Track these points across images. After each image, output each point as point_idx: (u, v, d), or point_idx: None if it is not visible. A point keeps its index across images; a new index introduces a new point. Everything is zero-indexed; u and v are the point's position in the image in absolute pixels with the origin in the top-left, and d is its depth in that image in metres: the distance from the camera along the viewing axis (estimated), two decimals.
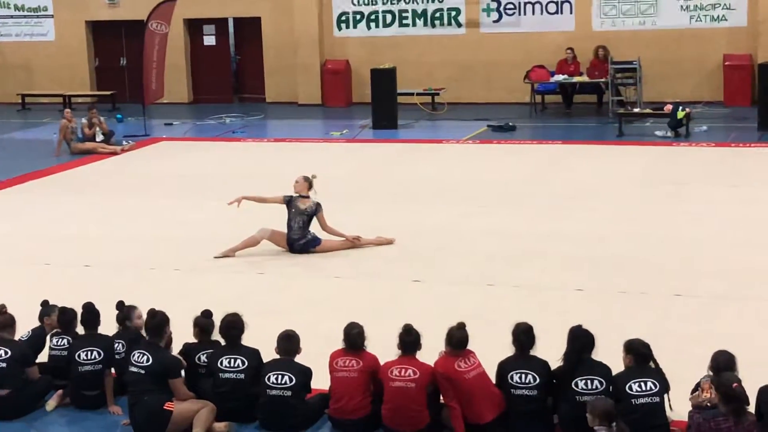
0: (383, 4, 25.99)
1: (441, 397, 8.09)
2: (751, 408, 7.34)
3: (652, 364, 7.87)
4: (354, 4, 26.23)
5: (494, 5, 25.23)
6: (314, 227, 13.04)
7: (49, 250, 13.57)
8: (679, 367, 8.28)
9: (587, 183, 16.45)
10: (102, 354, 8.74)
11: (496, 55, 25.17)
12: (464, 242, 13.31)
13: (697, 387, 7.79)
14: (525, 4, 25.03)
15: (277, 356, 8.42)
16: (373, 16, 26.14)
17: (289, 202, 13.02)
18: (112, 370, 8.83)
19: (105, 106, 25.86)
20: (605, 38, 23.89)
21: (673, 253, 12.51)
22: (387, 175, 17.66)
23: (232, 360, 8.41)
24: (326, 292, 11.62)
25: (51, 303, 9.40)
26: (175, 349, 8.81)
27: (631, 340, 7.97)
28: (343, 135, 21.94)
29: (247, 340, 8.60)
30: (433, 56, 25.56)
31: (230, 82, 28.22)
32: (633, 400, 7.64)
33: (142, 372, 8.26)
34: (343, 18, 26.38)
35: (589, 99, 24.00)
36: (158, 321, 8.52)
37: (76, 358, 8.73)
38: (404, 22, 25.95)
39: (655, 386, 7.68)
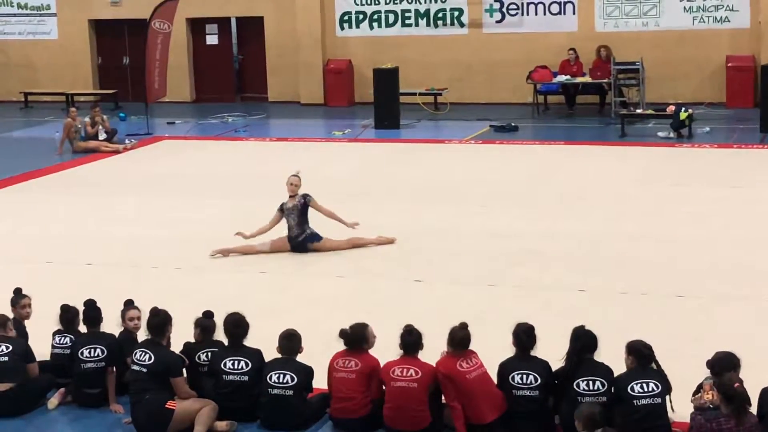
0: (386, 3, 25.99)
1: (443, 397, 8.10)
2: (753, 409, 7.34)
3: (653, 366, 7.87)
4: (356, 4, 26.22)
5: (497, 5, 25.22)
6: (314, 226, 13.04)
7: (50, 248, 13.58)
8: (681, 368, 8.27)
9: (589, 183, 16.45)
10: (105, 352, 8.74)
11: (498, 55, 25.17)
12: (466, 242, 13.31)
13: (699, 388, 7.78)
14: (528, 4, 25.02)
15: (279, 355, 8.42)
16: (375, 16, 26.14)
17: (282, 209, 13.05)
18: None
19: (108, 105, 25.88)
20: (608, 39, 23.88)
21: (675, 254, 12.51)
22: (389, 175, 17.66)
23: (236, 362, 8.41)
24: (328, 291, 11.63)
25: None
26: (176, 348, 8.79)
27: (633, 341, 7.96)
28: (345, 135, 21.94)
29: (248, 339, 8.61)
30: (435, 56, 25.55)
31: (232, 82, 28.23)
32: (635, 401, 7.64)
33: (144, 370, 8.26)
34: (346, 18, 26.38)
35: (591, 100, 23.99)
36: (161, 320, 8.52)
37: (79, 355, 8.74)
38: (407, 22, 25.94)
39: (657, 387, 7.67)
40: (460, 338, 8.07)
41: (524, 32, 25.05)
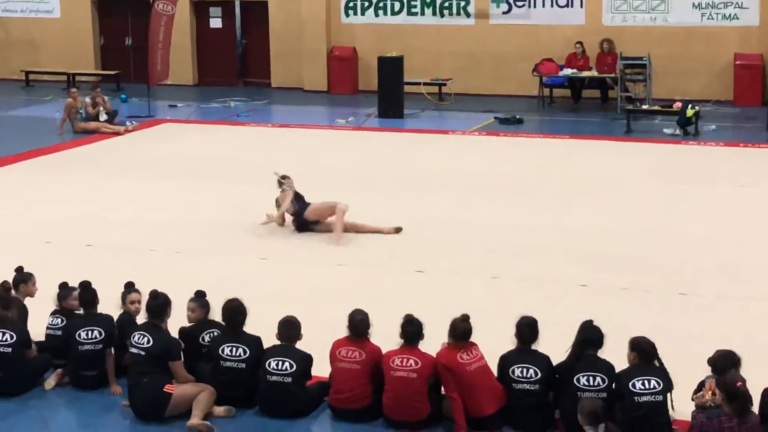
0: None
1: (442, 389, 8.11)
2: (755, 409, 7.36)
3: (656, 363, 7.88)
4: None
5: None
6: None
7: (49, 229, 13.59)
8: (683, 366, 8.29)
9: (593, 178, 16.44)
10: (102, 333, 8.75)
11: (504, 46, 25.12)
12: (469, 234, 13.32)
13: (701, 386, 7.80)
14: None
15: (278, 342, 8.43)
16: (381, 4, 26.08)
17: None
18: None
19: (109, 86, 25.82)
20: (615, 33, 23.83)
21: (678, 252, 12.52)
22: (392, 165, 17.65)
23: (234, 349, 8.42)
24: (329, 279, 11.64)
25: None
26: (172, 332, 8.81)
27: (637, 337, 7.98)
28: (348, 123, 21.92)
29: (247, 325, 8.62)
30: (441, 46, 25.51)
31: (235, 66, 28.19)
32: (636, 398, 7.66)
33: (142, 353, 8.28)
34: (351, 4, 26.32)
35: (597, 94, 23.96)
36: (160, 302, 8.53)
37: (76, 337, 8.75)
38: (413, 10, 25.88)
39: (659, 385, 7.69)
40: (461, 330, 8.09)
41: (531, 24, 24.98)
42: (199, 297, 8.89)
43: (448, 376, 7.97)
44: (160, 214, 14.33)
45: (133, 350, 8.35)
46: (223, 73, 27.76)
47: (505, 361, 8.12)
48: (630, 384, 7.71)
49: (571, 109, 23.45)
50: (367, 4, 26.16)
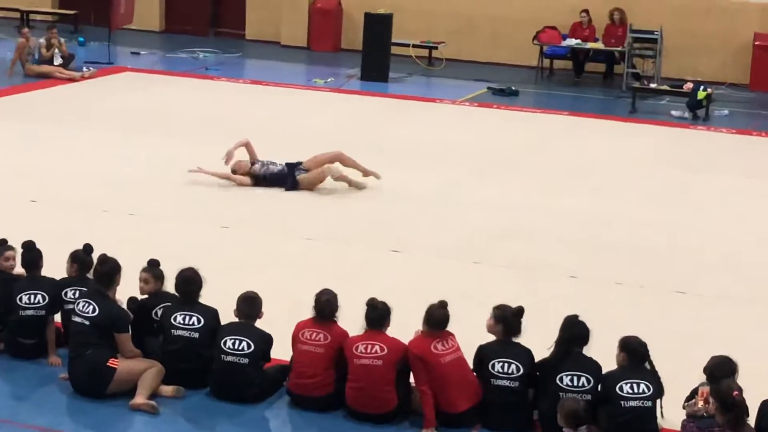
0: None
1: (411, 379, 8.11)
2: (751, 422, 7.38)
3: (647, 365, 7.91)
4: None
5: None
6: None
7: None
8: (676, 370, 8.33)
9: (592, 160, 16.47)
10: (46, 298, 8.73)
11: (504, 10, 25.07)
12: (452, 212, 13.33)
13: (694, 394, 7.83)
14: None
15: (236, 319, 8.43)
16: None
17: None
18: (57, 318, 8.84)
19: (66, 27, 25.63)
20: (626, 3, 23.78)
21: (678, 245, 12.57)
22: (372, 133, 17.63)
23: (187, 317, 8.42)
24: (295, 254, 11.64)
25: None
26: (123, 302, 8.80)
27: (627, 336, 8.00)
28: (327, 83, 21.86)
29: (203, 298, 8.61)
30: (434, 5, 25.41)
31: (207, 13, 28.01)
32: (623, 402, 7.68)
33: (86, 323, 8.25)
34: None
35: (601, 68, 23.95)
36: (109, 268, 8.49)
37: (17, 301, 8.70)
38: None
39: (648, 389, 7.72)
40: (438, 317, 8.09)
41: None
42: (153, 266, 8.86)
43: (420, 367, 7.97)
44: (114, 171, 14.28)
45: (77, 319, 8.32)
46: (194, 20, 27.59)
47: (485, 353, 8.12)
48: (617, 387, 7.73)
49: (572, 84, 23.46)
50: None
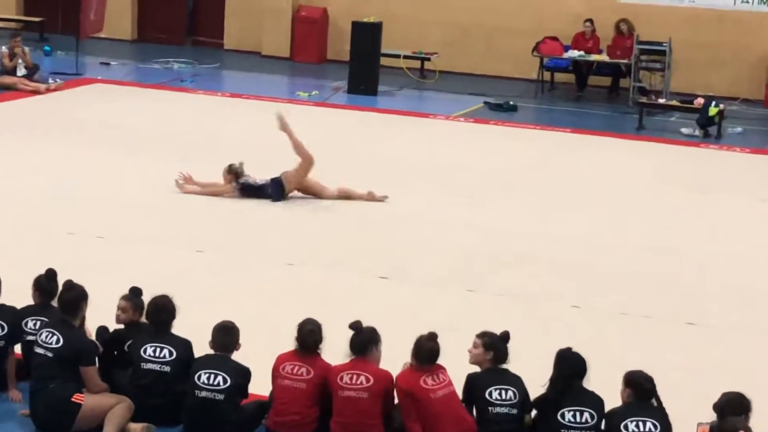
0: None
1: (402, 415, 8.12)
2: None
3: (654, 402, 7.93)
4: None
5: None
6: None
7: None
8: (684, 407, 8.34)
9: (595, 180, 16.51)
10: (5, 328, 8.71)
11: (502, 19, 25.15)
12: (444, 237, 13.35)
13: None
14: None
15: (211, 351, 8.42)
16: None
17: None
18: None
19: (31, 35, 25.66)
20: (632, 12, 23.89)
21: (686, 273, 12.60)
22: (359, 150, 17.66)
23: (158, 349, 8.41)
24: (275, 280, 11.65)
25: None
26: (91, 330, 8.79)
27: (632, 371, 8.01)
28: (311, 97, 21.91)
29: (176, 328, 8.60)
30: (427, 13, 25.50)
31: (183, 21, 28.08)
32: None
33: (50, 355, 8.23)
34: None
35: (606, 82, 24.04)
36: (75, 295, 8.48)
37: None
38: None
39: (655, 428, 7.72)
40: (427, 351, 8.10)
41: None
42: (135, 295, 8.86)
43: (409, 404, 7.98)
44: (81, 191, 14.28)
45: (39, 350, 8.30)
46: (168, 28, 27.64)
47: (477, 382, 8.14)
48: (622, 425, 7.74)
49: (575, 98, 23.54)
50: None
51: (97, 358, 8.42)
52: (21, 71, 20.98)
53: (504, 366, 8.21)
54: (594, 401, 7.96)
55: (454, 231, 13.60)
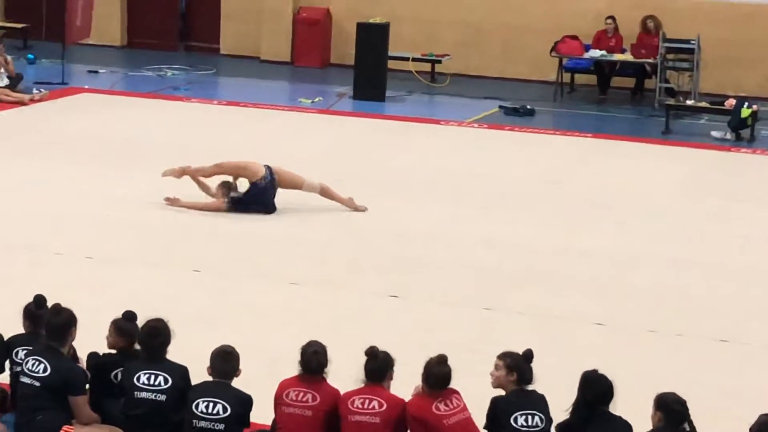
0: None
1: None
2: None
3: (686, 426, 7.91)
4: None
5: None
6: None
7: None
8: (716, 431, 8.32)
9: (620, 189, 16.50)
10: None
11: (517, 18, 25.17)
12: (458, 252, 13.34)
13: None
14: None
15: (210, 378, 8.42)
16: None
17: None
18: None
19: (14, 43, 25.77)
20: (658, 8, 23.89)
21: (720, 287, 12.57)
22: (366, 160, 17.67)
23: (152, 376, 8.40)
24: (277, 301, 11.65)
25: None
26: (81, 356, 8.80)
27: (664, 393, 7.98)
28: (314, 104, 21.94)
29: (171, 354, 8.60)
30: (437, 13, 25.53)
31: (176, 26, 28.15)
32: None
33: (37, 384, 8.23)
34: None
35: (630, 83, 24.04)
36: (63, 321, 8.47)
37: None
38: None
39: None
40: (437, 375, 8.09)
41: None
42: (129, 320, 8.86)
43: (421, 431, 7.98)
44: (68, 208, 14.30)
45: (26, 380, 8.31)
46: (160, 33, 27.71)
47: (502, 406, 8.09)
48: None
49: (596, 101, 23.56)
50: None
51: (86, 387, 8.42)
52: (3, 81, 21.04)
53: (530, 387, 8.20)
54: (623, 428, 7.93)
55: (468, 245, 13.59)
